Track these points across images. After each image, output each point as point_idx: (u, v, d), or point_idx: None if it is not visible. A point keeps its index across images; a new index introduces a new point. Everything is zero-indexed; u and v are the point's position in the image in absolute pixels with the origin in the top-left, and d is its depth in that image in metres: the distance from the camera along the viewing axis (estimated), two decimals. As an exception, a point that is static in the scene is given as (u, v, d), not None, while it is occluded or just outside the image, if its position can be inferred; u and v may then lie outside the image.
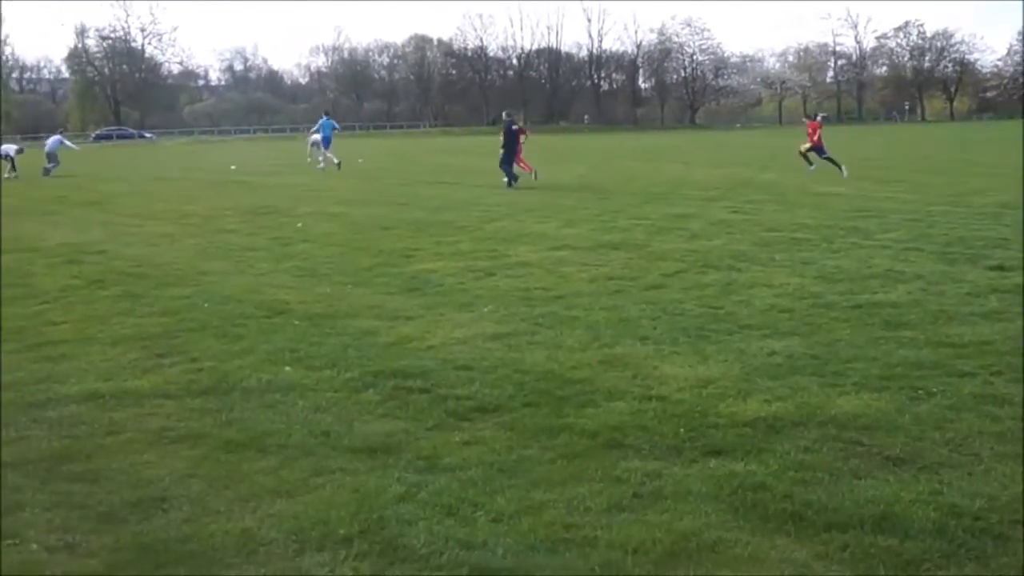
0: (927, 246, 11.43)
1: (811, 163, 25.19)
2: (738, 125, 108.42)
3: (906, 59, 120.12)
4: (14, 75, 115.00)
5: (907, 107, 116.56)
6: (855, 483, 4.33)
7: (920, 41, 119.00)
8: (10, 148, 33.15)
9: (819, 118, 27.74)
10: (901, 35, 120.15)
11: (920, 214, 14.88)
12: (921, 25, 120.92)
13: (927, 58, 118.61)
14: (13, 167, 31.34)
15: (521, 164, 24.42)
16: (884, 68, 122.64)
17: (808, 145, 25.63)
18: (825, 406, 5.41)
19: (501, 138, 23.83)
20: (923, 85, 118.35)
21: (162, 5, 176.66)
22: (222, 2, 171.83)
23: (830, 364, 6.28)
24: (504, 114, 26.21)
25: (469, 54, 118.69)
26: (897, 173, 25.01)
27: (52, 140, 35.22)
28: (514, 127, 23.91)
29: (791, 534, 3.85)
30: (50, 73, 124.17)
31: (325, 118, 33.61)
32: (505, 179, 22.95)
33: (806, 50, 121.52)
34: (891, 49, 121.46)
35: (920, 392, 5.62)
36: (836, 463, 4.57)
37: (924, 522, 3.90)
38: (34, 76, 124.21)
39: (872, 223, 13.86)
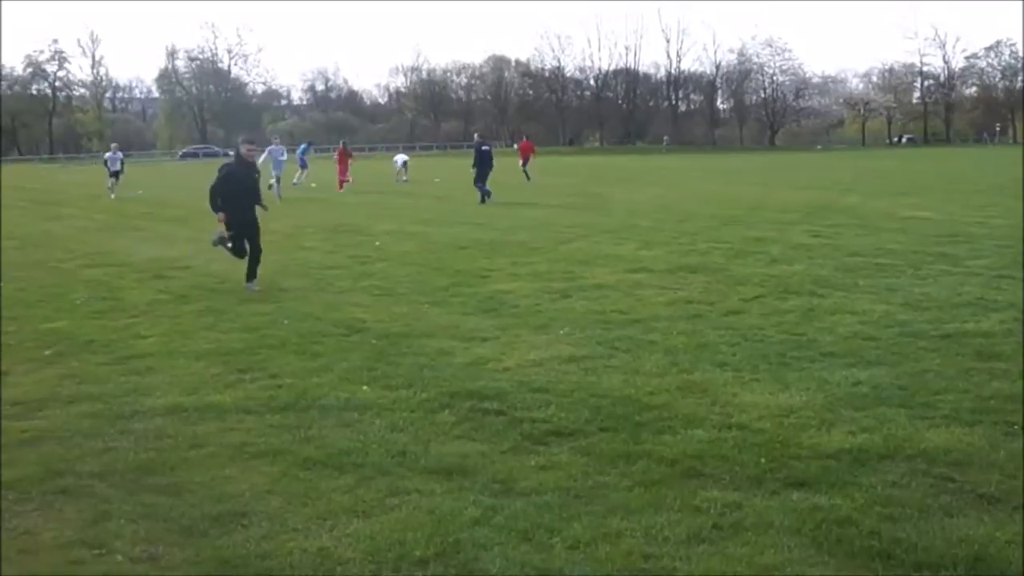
0: (1020, 273, 11.02)
1: (528, 177, 32.69)
2: (819, 147, 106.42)
3: (997, 79, 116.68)
4: (107, 95, 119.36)
5: (998, 128, 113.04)
6: (946, 521, 4.17)
7: (1012, 61, 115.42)
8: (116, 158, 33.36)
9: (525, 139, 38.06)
10: (992, 55, 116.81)
11: (1012, 240, 14.36)
12: (1013, 45, 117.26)
13: (1020, 78, 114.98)
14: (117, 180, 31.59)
15: (341, 178, 31.28)
16: (974, 89, 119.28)
17: (522, 162, 34.13)
18: (913, 439, 5.23)
19: (473, 158, 25.66)
20: (1015, 106, 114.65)
21: (248, 27, 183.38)
22: (306, 23, 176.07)
23: (918, 395, 6.08)
24: (476, 135, 30.28)
25: (546, 74, 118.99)
26: (987, 197, 24.22)
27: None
28: (484, 147, 25.44)
29: (878, 572, 3.72)
30: (141, 93, 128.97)
31: (303, 144, 38.76)
32: (479, 196, 24.30)
33: (891, 70, 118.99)
34: (981, 69, 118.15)
35: (1015, 427, 5.40)
36: (926, 499, 4.41)
37: (1020, 564, 3.73)
38: (126, 96, 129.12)
39: (961, 248, 13.44)
